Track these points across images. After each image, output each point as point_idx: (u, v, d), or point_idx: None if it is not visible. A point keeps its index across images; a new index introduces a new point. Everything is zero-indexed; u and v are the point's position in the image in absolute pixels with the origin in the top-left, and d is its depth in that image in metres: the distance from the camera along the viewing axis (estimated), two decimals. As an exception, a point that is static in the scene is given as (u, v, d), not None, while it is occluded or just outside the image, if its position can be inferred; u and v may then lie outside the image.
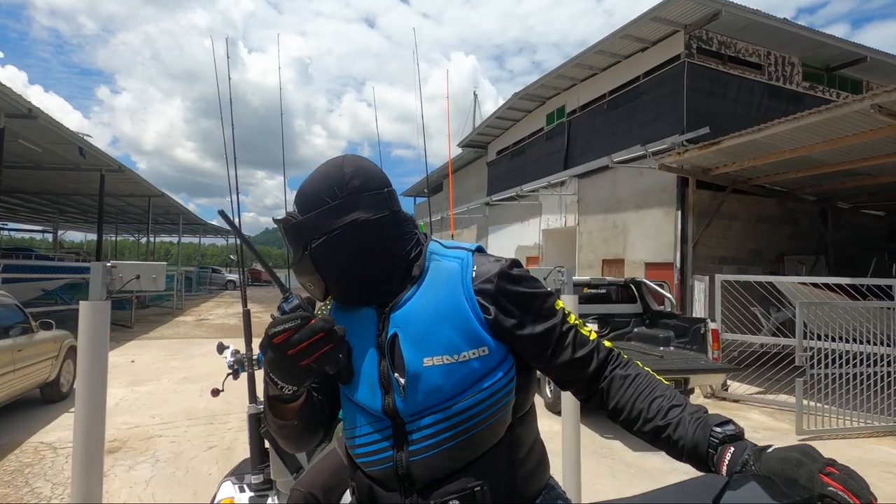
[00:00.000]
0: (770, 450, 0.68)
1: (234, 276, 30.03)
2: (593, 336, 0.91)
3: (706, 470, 0.75)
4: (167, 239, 40.95)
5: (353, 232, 0.88)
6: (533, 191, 13.83)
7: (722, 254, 9.42)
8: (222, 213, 0.93)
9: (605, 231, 11.21)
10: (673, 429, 0.79)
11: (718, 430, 0.75)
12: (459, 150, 19.79)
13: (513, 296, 0.87)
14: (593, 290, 6.51)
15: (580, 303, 6.62)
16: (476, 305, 0.85)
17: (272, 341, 0.74)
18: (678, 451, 0.79)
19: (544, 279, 1.25)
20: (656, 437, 0.82)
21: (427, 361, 0.84)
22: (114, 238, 31.83)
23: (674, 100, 9.47)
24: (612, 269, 11.04)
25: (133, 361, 8.37)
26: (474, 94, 30.00)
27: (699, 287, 8.10)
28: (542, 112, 14.59)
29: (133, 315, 12.47)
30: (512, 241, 15.87)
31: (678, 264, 9.06)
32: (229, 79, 2.50)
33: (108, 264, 1.65)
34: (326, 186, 0.89)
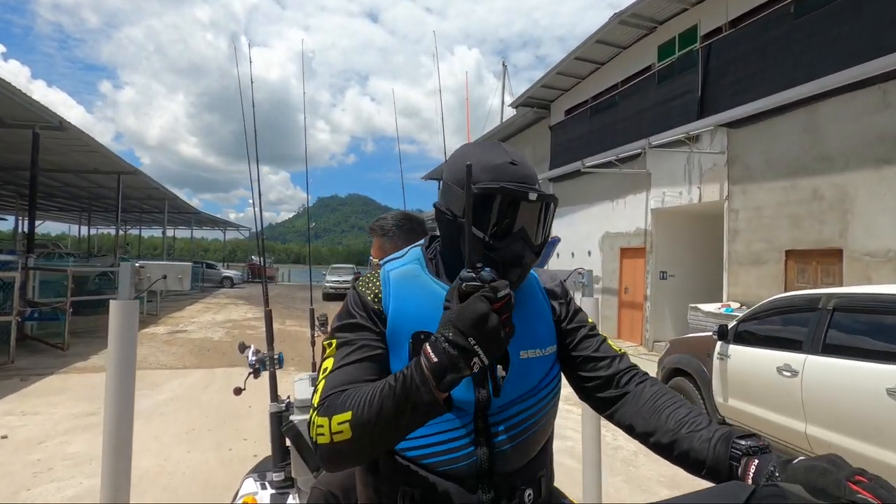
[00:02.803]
0: (796, 461, 0.64)
1: (230, 273, 26.58)
2: (620, 351, 0.97)
3: None
4: (170, 232, 37.11)
5: None
6: (634, 155, 9.75)
7: None
8: (469, 168, 0.78)
9: (794, 206, 7.11)
10: (691, 442, 0.77)
11: (742, 442, 0.72)
12: (509, 113, 15.67)
13: (568, 296, 1.02)
14: None
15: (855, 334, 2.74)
16: (548, 306, 0.97)
17: (494, 305, 0.68)
18: (698, 465, 0.75)
19: (563, 282, 1.08)
20: (672, 450, 0.79)
21: (523, 354, 0.88)
22: (88, 229, 27.86)
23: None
24: (809, 266, 6.95)
25: (5, 437, 4.44)
26: (503, 64, 28.66)
27: None
28: (650, 44, 10.46)
29: (67, 330, 8.43)
30: (596, 226, 11.74)
31: None
32: (252, 85, 2.77)
33: (137, 265, 1.64)
34: (533, 171, 0.92)
